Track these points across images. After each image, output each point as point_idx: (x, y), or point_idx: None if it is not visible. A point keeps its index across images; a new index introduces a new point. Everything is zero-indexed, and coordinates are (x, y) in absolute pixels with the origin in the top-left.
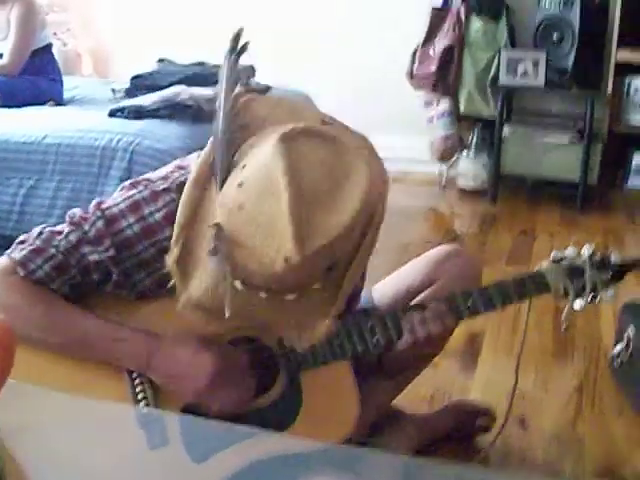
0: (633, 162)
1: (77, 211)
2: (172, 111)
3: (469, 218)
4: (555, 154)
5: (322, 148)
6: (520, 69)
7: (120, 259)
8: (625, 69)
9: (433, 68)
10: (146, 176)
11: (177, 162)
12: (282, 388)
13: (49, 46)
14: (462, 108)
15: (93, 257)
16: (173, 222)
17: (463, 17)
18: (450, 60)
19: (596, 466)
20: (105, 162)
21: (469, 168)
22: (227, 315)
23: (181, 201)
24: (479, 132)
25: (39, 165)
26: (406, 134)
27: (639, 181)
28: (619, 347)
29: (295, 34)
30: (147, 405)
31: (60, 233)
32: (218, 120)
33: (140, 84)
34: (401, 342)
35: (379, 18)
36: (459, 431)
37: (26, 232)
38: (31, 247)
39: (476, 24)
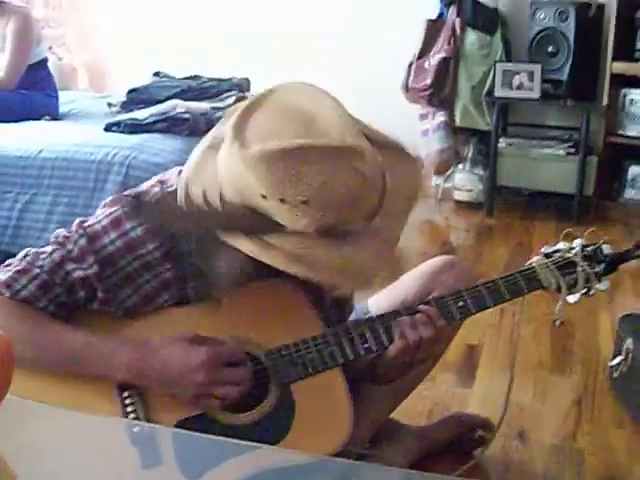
0: (629, 174)
1: (61, 231)
2: (168, 125)
3: (465, 230)
4: (551, 166)
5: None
6: (515, 82)
7: (104, 275)
8: (620, 81)
9: (428, 81)
10: (127, 192)
11: (158, 177)
12: (274, 401)
13: (45, 61)
14: (458, 121)
15: (77, 274)
16: (154, 235)
17: (458, 30)
18: (445, 73)
19: (596, 478)
20: (101, 176)
21: (465, 181)
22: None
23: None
24: (475, 145)
25: (35, 179)
26: None
27: (635, 193)
28: (618, 359)
29: (294, 36)
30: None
31: (44, 253)
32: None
33: (136, 98)
34: (392, 347)
35: (376, 30)
36: (457, 443)
37: (22, 247)
38: (16, 268)
39: (471, 37)
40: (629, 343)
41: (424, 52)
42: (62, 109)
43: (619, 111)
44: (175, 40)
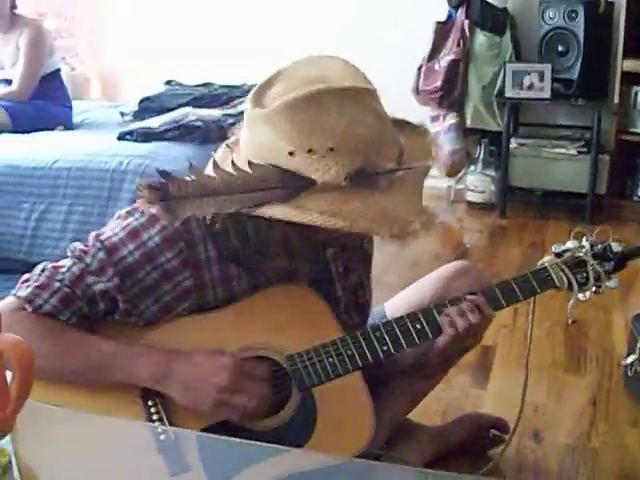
0: None
1: (77, 244)
2: (180, 132)
3: (478, 232)
4: (563, 166)
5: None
6: (526, 82)
7: (125, 287)
8: (631, 78)
9: (439, 83)
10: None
11: None
12: (296, 405)
13: (58, 71)
14: (468, 122)
15: (98, 287)
16: (172, 244)
17: (467, 31)
18: (455, 75)
19: (611, 477)
20: (115, 185)
21: (477, 182)
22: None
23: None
24: (486, 146)
25: (50, 189)
26: None
27: None
28: (631, 358)
29: (305, 42)
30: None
31: (63, 267)
32: None
33: (148, 107)
34: (442, 338)
35: (385, 33)
36: (473, 443)
37: (39, 255)
38: (36, 283)
39: (480, 38)
40: None
41: (434, 54)
42: (75, 119)
43: (631, 109)
44: (186, 49)
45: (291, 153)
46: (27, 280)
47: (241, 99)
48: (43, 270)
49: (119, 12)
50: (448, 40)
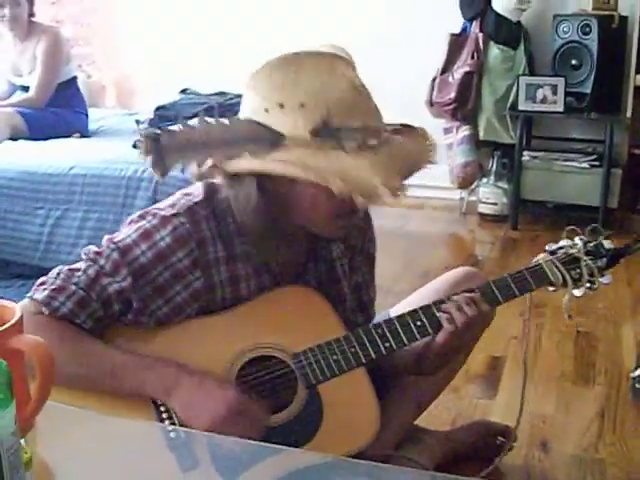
0: None
1: (92, 247)
2: None
3: (490, 243)
4: (575, 179)
5: None
6: (539, 95)
7: (138, 287)
8: None
9: (452, 95)
10: (153, 206)
11: (182, 191)
12: (302, 402)
13: (74, 79)
14: (481, 135)
15: (113, 288)
16: (183, 244)
17: (481, 44)
18: (469, 87)
19: None
20: (130, 192)
21: (489, 194)
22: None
23: (285, 171)
24: (499, 158)
25: (66, 196)
26: None
27: None
28: None
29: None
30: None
31: (78, 270)
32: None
33: (163, 115)
34: (442, 333)
35: (399, 45)
36: (479, 449)
37: (53, 261)
38: (52, 286)
39: (494, 51)
40: None
41: (448, 66)
42: (91, 126)
43: None
44: (201, 57)
45: (266, 110)
46: (43, 283)
47: None
48: (59, 273)
49: (135, 20)
50: (462, 52)
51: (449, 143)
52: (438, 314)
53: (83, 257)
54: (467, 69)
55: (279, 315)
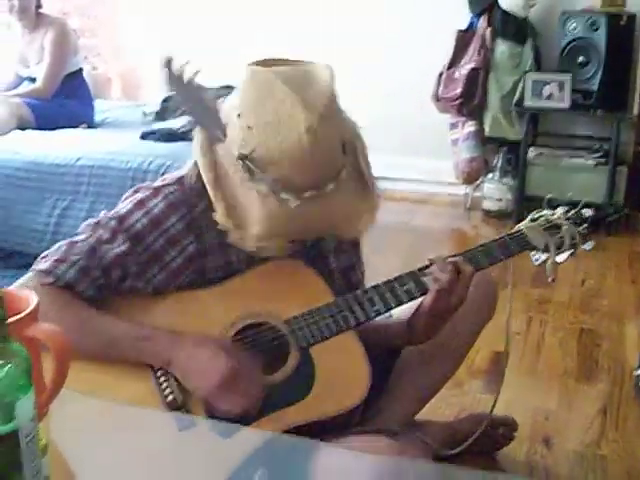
0: None
1: (90, 220)
2: None
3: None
4: (581, 176)
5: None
6: (545, 92)
7: (135, 252)
8: None
9: (458, 91)
10: (146, 183)
11: (174, 174)
12: (294, 364)
13: (81, 70)
14: (487, 131)
15: (112, 253)
16: (175, 209)
17: (488, 40)
18: (475, 83)
19: None
20: (136, 184)
21: (494, 190)
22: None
23: (201, 170)
24: (504, 155)
25: (73, 186)
26: (431, 156)
27: None
28: None
29: (325, 48)
30: (174, 398)
31: (78, 241)
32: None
33: (170, 107)
34: (429, 296)
35: (406, 40)
36: (480, 441)
37: None
38: (54, 257)
39: (501, 47)
40: None
41: (454, 62)
42: (98, 118)
43: None
44: (207, 50)
45: (238, 115)
46: (45, 256)
47: None
48: (60, 246)
49: (141, 12)
50: (469, 48)
51: (455, 138)
52: (424, 278)
53: (83, 228)
54: (474, 65)
55: (270, 286)
